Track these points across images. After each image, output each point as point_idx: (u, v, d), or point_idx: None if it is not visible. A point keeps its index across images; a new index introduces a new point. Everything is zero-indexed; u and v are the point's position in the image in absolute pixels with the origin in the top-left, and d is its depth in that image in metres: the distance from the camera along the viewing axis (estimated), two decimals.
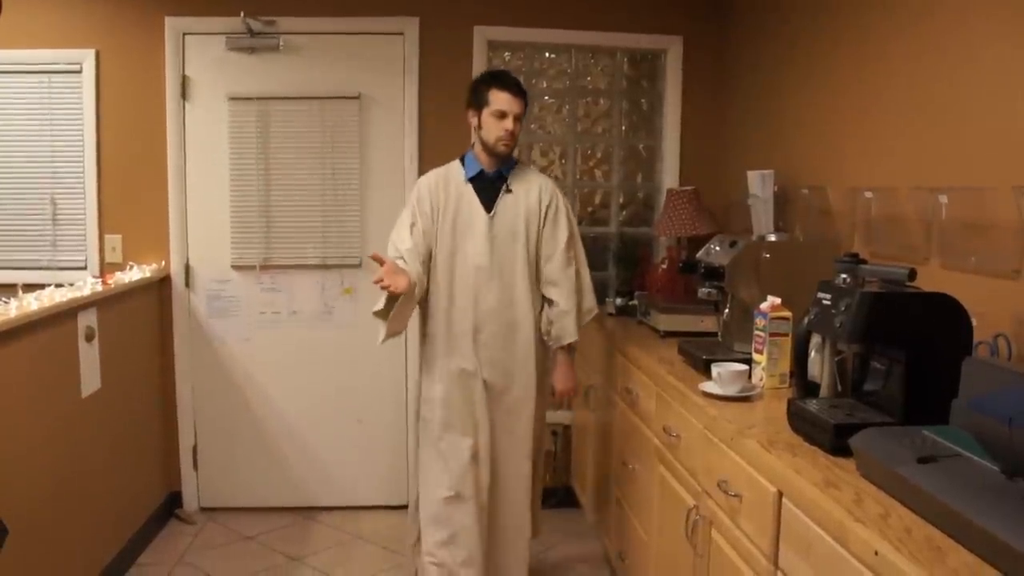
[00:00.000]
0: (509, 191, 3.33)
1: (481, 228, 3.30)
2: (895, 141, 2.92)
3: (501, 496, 3.42)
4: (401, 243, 3.26)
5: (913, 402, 2.04)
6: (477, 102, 3.29)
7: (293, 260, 4.57)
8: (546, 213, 3.34)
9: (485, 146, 3.31)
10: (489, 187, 3.34)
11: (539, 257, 3.35)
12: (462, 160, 3.41)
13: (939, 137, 2.65)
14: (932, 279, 2.46)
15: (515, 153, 3.46)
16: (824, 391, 2.37)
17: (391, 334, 3.22)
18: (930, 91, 2.71)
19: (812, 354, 2.42)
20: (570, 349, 3.40)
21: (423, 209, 3.31)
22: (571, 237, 3.38)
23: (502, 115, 3.24)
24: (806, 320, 2.31)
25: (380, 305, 3.19)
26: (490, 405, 3.34)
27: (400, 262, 3.17)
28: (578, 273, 3.39)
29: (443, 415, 3.34)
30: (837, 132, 3.33)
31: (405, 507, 4.70)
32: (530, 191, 3.35)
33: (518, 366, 3.35)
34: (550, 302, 3.35)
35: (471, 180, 3.34)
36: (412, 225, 3.29)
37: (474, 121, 3.32)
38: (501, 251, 3.30)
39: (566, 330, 3.33)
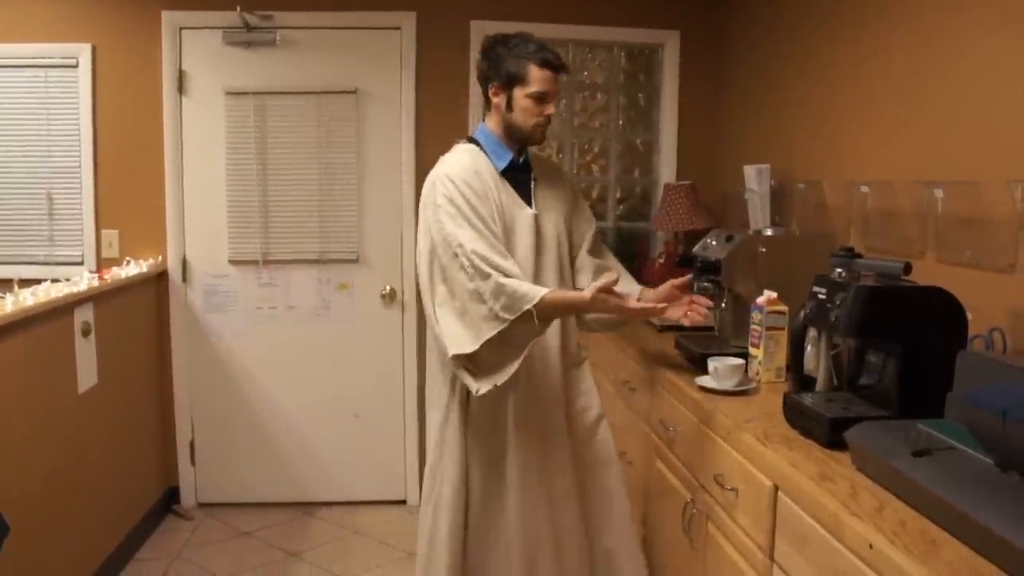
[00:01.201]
0: (536, 181, 2.75)
1: (526, 227, 2.66)
2: (891, 135, 2.92)
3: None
4: (504, 261, 2.47)
5: (908, 396, 2.04)
6: (507, 77, 2.61)
7: (290, 255, 4.57)
8: (575, 197, 2.88)
9: (514, 131, 2.66)
10: (517, 177, 2.72)
11: (571, 248, 2.83)
12: (478, 145, 2.72)
13: (934, 131, 2.66)
14: (928, 273, 2.46)
15: None
16: (820, 385, 2.37)
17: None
18: (926, 85, 2.71)
19: (808, 348, 2.42)
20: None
21: (484, 212, 2.55)
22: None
23: (542, 98, 2.61)
24: (802, 314, 2.32)
25: (472, 344, 2.45)
26: (573, 446, 2.72)
27: (511, 280, 2.42)
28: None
29: (517, 491, 2.65)
30: (833, 126, 3.33)
31: (403, 502, 4.72)
32: (552, 177, 2.82)
33: (584, 380, 2.81)
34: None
35: (504, 172, 2.69)
36: (487, 230, 2.52)
37: (498, 99, 2.65)
38: (549, 250, 2.71)
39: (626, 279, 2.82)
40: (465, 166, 2.63)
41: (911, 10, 2.80)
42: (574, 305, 2.51)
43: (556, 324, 2.66)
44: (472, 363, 2.51)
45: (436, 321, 2.56)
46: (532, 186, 2.73)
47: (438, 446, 2.70)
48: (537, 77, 2.58)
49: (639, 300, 2.68)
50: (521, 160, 2.73)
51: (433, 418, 2.73)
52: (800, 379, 2.39)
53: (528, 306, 2.36)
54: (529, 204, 2.70)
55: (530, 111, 2.61)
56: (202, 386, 4.61)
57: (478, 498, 2.68)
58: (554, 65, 2.61)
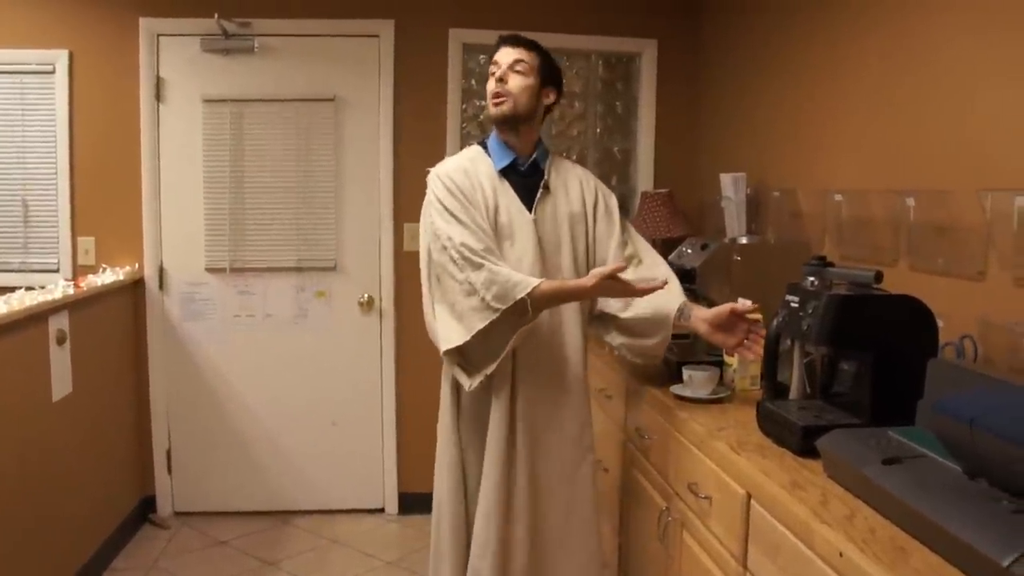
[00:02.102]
0: (547, 189, 2.64)
1: (524, 232, 2.57)
2: (864, 145, 2.94)
3: None
4: (492, 256, 2.46)
5: (880, 404, 2.06)
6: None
7: (267, 263, 4.55)
8: (595, 213, 2.70)
9: (493, 120, 2.63)
10: (524, 182, 2.63)
11: (594, 262, 2.68)
12: (484, 146, 2.68)
13: (906, 140, 2.69)
14: (901, 280, 2.49)
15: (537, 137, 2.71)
16: (793, 393, 2.38)
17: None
18: (897, 95, 2.74)
19: (782, 356, 2.43)
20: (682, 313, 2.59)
21: (473, 209, 2.52)
22: (626, 229, 2.77)
23: (494, 73, 2.58)
24: (775, 323, 2.33)
25: (462, 337, 2.43)
26: (531, 462, 2.58)
27: (504, 269, 2.42)
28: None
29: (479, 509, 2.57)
30: (807, 135, 3.36)
31: (381, 510, 4.71)
32: (569, 188, 2.68)
33: (568, 401, 2.63)
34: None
35: (504, 172, 2.62)
36: (476, 226, 2.49)
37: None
38: (550, 258, 2.60)
39: (671, 291, 2.62)
40: (457, 164, 2.63)
41: (883, 22, 2.82)
42: (574, 293, 2.45)
43: (561, 343, 2.61)
44: (464, 359, 2.49)
45: (434, 318, 2.55)
46: (539, 192, 2.63)
47: (438, 468, 2.68)
48: (495, 57, 2.60)
49: (686, 317, 2.57)
50: (527, 164, 2.64)
51: (439, 435, 2.70)
52: (774, 387, 2.40)
53: (522, 294, 2.35)
54: (530, 209, 2.61)
55: (489, 88, 2.60)
56: (179, 394, 4.59)
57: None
58: (507, 41, 2.61)
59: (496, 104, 2.57)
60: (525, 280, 2.38)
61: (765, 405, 2.25)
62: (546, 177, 2.66)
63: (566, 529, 2.63)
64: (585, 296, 2.53)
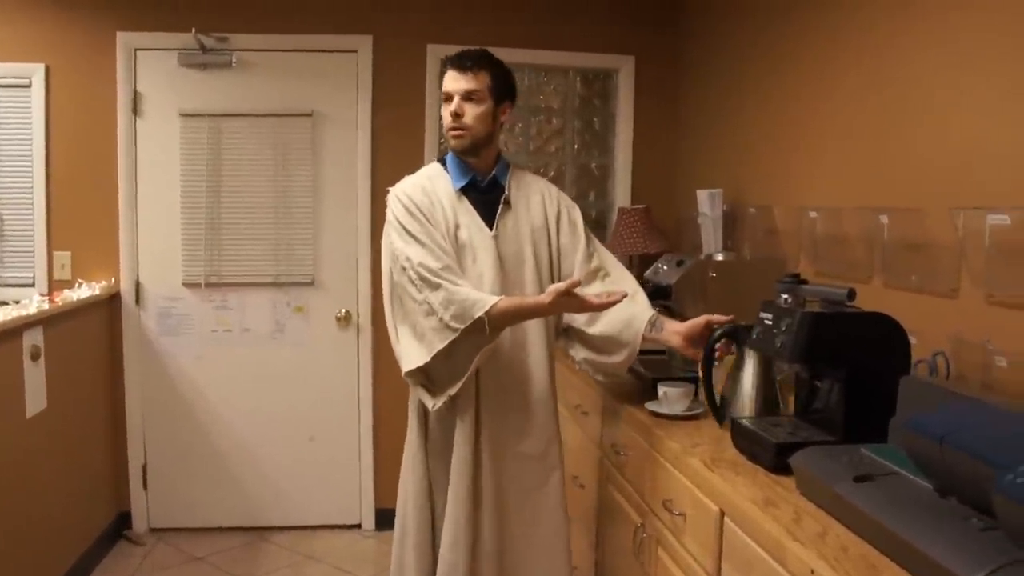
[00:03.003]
0: (507, 204, 2.63)
1: (485, 250, 2.56)
2: (839, 162, 2.97)
3: None
4: (452, 275, 2.44)
5: (853, 421, 2.07)
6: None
7: (245, 278, 4.54)
8: (558, 225, 2.69)
9: (453, 151, 2.63)
10: (483, 199, 2.61)
11: (559, 277, 2.67)
12: (443, 164, 2.67)
13: (880, 159, 2.71)
14: (875, 297, 2.51)
15: (496, 147, 2.69)
16: (745, 409, 2.40)
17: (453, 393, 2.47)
18: (872, 114, 2.76)
19: (733, 372, 2.46)
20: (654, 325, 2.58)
21: (432, 228, 2.51)
22: (592, 242, 2.75)
23: (447, 98, 2.56)
24: (716, 333, 2.35)
25: (423, 357, 2.43)
26: (497, 480, 2.58)
27: (462, 289, 2.40)
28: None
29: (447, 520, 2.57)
30: (783, 152, 3.38)
31: (358, 526, 4.69)
32: (531, 202, 2.67)
33: (533, 418, 2.63)
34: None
35: (463, 190, 2.61)
36: (435, 244, 2.48)
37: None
38: (512, 275, 2.59)
39: (640, 304, 2.64)
40: (415, 183, 2.61)
41: (858, 42, 2.85)
42: (533, 310, 2.43)
43: (525, 361, 2.61)
44: (428, 379, 2.49)
45: (397, 339, 2.54)
46: (500, 207, 2.62)
47: (403, 486, 2.69)
48: (445, 82, 2.57)
49: (658, 329, 2.56)
50: (486, 181, 2.63)
51: (405, 454, 2.69)
52: (714, 403, 2.44)
53: (479, 313, 2.33)
54: (491, 226, 2.59)
55: (443, 116, 2.58)
56: (155, 409, 4.55)
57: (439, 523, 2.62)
58: (455, 63, 2.56)
59: (456, 138, 2.55)
60: (483, 299, 2.37)
61: (739, 422, 2.26)
62: (507, 192, 2.65)
63: (531, 540, 2.63)
64: (543, 313, 2.51)
